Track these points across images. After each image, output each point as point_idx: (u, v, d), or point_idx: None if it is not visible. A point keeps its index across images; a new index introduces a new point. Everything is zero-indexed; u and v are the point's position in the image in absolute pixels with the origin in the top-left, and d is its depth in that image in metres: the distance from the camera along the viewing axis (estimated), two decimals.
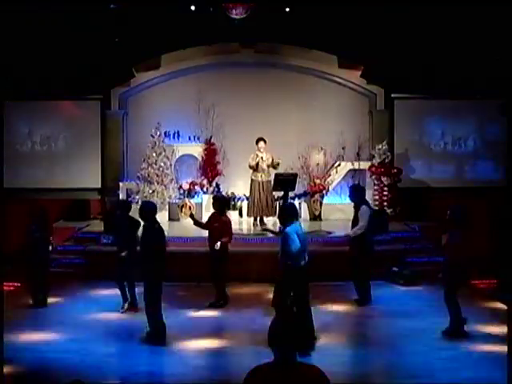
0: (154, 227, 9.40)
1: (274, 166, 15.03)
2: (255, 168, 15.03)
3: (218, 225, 11.01)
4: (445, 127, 17.24)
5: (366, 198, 16.33)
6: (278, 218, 10.25)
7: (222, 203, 11.53)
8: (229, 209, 13.58)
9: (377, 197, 16.38)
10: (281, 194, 14.88)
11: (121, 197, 16.06)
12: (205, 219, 12.32)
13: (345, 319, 10.81)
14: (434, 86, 16.30)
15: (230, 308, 10.98)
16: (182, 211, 16.16)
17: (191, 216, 11.64)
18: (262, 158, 15.01)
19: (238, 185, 16.64)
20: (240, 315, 10.63)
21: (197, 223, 11.38)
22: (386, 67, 16.08)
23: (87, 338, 9.57)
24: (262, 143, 15.05)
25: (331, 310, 11.08)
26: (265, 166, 15.05)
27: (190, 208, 16.10)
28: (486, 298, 11.60)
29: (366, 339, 9.67)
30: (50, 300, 11.52)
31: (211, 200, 11.73)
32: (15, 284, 12.35)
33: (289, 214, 9.17)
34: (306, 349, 4.08)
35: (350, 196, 11.64)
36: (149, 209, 9.55)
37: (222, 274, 11.06)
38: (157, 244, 9.30)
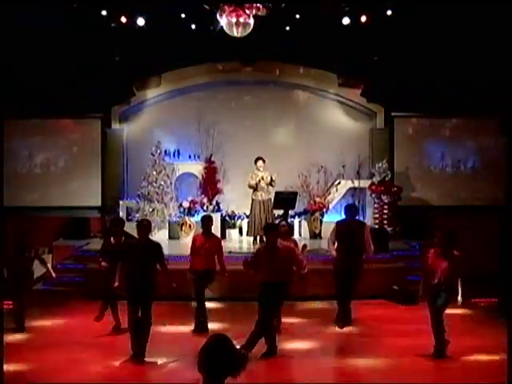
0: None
1: (271, 183, 15.04)
2: (255, 188, 15.05)
3: (213, 243, 10.92)
4: (445, 147, 17.30)
5: (367, 216, 16.61)
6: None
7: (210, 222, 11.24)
8: None
9: (377, 215, 16.38)
10: (281, 212, 14.90)
11: (120, 215, 16.00)
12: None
13: (343, 338, 10.78)
14: (433, 105, 16.36)
15: (233, 328, 10.88)
16: (182, 229, 16.17)
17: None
18: (261, 177, 15.03)
19: (238, 203, 16.65)
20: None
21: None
22: (385, 86, 16.21)
23: (87, 357, 9.54)
24: (260, 162, 15.09)
25: (331, 329, 11.05)
26: (264, 185, 15.06)
27: (190, 226, 16.11)
28: (486, 316, 11.61)
29: (365, 358, 9.63)
30: (51, 319, 11.52)
31: (204, 220, 11.19)
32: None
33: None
34: (236, 371, 3.97)
35: (353, 215, 11.58)
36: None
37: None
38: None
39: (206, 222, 11.03)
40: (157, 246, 9.50)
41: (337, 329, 10.97)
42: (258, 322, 9.25)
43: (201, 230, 11.26)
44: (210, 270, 10.72)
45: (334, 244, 11.40)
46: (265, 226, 10.20)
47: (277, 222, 14.80)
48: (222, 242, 11.52)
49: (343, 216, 11.99)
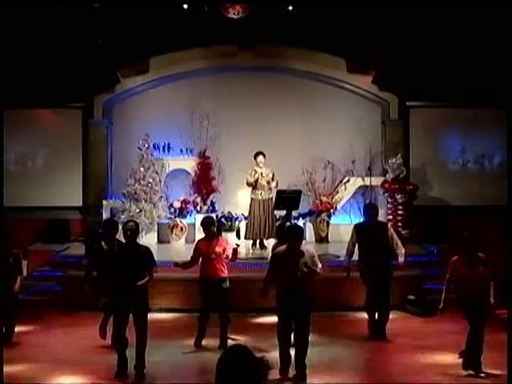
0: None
1: (274, 181, 14.94)
2: (254, 185, 14.98)
3: (221, 247, 10.73)
4: (466, 140, 17.30)
5: (379, 217, 16.52)
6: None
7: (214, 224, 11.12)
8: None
9: (390, 216, 16.33)
10: (283, 212, 14.84)
11: (104, 216, 15.98)
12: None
13: (355, 354, 10.71)
14: (453, 93, 16.30)
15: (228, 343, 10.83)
16: (172, 232, 16.11)
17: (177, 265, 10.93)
18: (261, 173, 14.95)
19: (236, 203, 16.72)
20: None
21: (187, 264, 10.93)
22: (400, 72, 16.10)
23: (65, 372, 9.53)
24: (261, 157, 14.98)
25: (340, 343, 10.99)
26: (264, 183, 14.97)
27: (181, 229, 16.06)
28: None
29: (380, 376, 9.57)
30: (25, 331, 11.49)
31: (205, 222, 11.01)
32: None
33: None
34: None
35: (373, 215, 11.53)
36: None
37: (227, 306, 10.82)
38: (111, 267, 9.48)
39: (208, 225, 10.90)
40: (147, 251, 9.50)
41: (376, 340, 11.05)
42: (299, 342, 9.31)
43: (194, 233, 11.22)
44: (225, 279, 10.68)
45: (351, 254, 11.40)
46: (288, 227, 10.10)
47: (277, 223, 14.77)
48: None
49: (359, 218, 11.95)
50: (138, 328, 9.28)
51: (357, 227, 11.57)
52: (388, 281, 11.18)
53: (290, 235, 9.51)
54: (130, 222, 9.79)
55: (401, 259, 11.24)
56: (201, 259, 10.76)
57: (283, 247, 9.54)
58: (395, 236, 11.42)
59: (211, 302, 10.64)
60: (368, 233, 11.24)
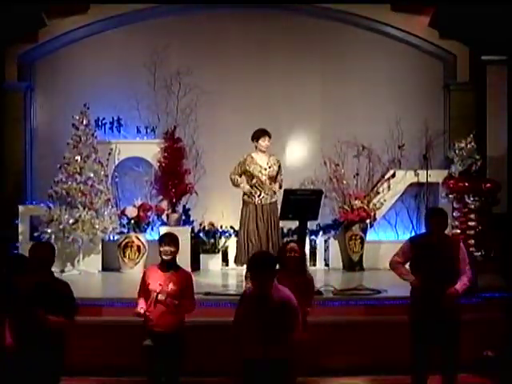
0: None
1: (277, 180, 14.57)
2: (251, 183, 14.60)
3: (178, 286, 10.30)
4: None
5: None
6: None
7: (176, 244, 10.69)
8: None
9: (457, 230, 16.19)
10: (294, 225, 14.76)
11: (21, 229, 16.10)
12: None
13: None
14: None
15: None
16: (125, 255, 16.05)
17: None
18: (262, 167, 14.53)
19: (222, 210, 16.86)
20: None
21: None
22: (471, 11, 16.01)
23: None
24: (264, 140, 14.53)
25: None
26: (266, 179, 14.54)
27: (138, 250, 15.98)
28: None
29: None
30: None
31: (163, 237, 10.56)
32: None
33: None
34: None
35: (441, 226, 11.25)
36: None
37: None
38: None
39: (167, 242, 10.45)
40: (63, 288, 9.16)
41: None
42: None
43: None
44: (177, 333, 10.27)
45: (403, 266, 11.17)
46: (253, 258, 9.69)
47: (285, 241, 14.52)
48: (194, 276, 11.12)
49: (411, 232, 11.66)
50: None
51: (414, 242, 11.20)
52: (458, 327, 10.86)
53: (251, 269, 9.30)
54: (39, 246, 9.38)
55: (462, 284, 10.82)
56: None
57: (250, 287, 9.27)
58: (467, 258, 11.09)
59: (159, 365, 10.30)
60: (431, 253, 10.89)
